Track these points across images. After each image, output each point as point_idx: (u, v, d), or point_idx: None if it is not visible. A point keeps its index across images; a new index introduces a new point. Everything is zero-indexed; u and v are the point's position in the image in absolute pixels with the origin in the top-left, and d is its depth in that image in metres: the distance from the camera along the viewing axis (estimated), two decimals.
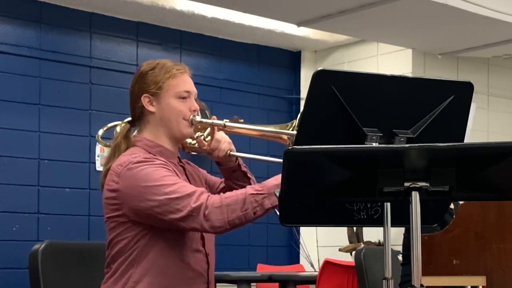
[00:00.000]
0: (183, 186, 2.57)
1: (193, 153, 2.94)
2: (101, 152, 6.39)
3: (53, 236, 5.96)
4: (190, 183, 2.77)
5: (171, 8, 6.55)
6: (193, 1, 6.23)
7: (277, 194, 2.20)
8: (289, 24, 6.80)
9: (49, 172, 6.17)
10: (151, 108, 2.73)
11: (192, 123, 2.75)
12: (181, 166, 2.81)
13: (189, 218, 2.52)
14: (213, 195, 2.57)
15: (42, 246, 3.06)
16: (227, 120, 2.81)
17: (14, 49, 6.07)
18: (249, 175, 2.87)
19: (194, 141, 2.87)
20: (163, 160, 2.67)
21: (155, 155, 2.70)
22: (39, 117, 6.15)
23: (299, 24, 6.52)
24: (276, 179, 2.61)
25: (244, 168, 2.90)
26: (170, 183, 2.57)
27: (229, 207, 2.52)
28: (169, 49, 6.88)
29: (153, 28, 6.78)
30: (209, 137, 2.85)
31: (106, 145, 2.98)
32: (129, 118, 2.82)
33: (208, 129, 2.87)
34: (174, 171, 2.67)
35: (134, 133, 2.81)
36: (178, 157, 2.82)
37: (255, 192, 2.56)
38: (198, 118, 2.75)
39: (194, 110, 2.75)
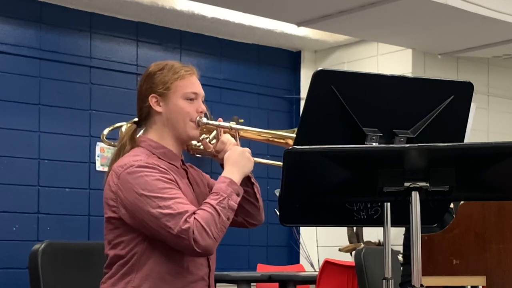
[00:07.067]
0: (177, 203, 2.56)
1: (197, 155, 2.93)
2: (101, 152, 6.39)
3: (53, 236, 5.95)
4: (192, 187, 2.77)
5: (171, 8, 6.55)
6: (193, 1, 6.23)
7: (277, 194, 2.20)
8: (289, 24, 6.80)
9: (49, 172, 6.16)
10: (158, 109, 2.72)
11: (198, 124, 2.74)
12: (184, 169, 2.80)
13: (178, 239, 2.53)
14: (196, 214, 2.56)
15: (42, 246, 3.05)
16: (233, 123, 2.81)
17: (14, 49, 6.07)
18: (252, 180, 2.83)
19: (199, 143, 2.87)
20: (163, 167, 2.65)
21: (158, 157, 2.69)
22: (39, 117, 6.15)
23: (299, 24, 6.52)
24: (223, 181, 2.65)
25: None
26: (166, 197, 2.56)
27: (209, 225, 2.54)
28: (169, 49, 6.87)
29: (153, 28, 6.78)
30: (214, 140, 2.84)
31: (111, 145, 2.97)
32: (135, 119, 2.81)
33: (214, 132, 2.86)
34: (174, 178, 2.66)
35: (139, 134, 2.81)
36: (182, 160, 2.81)
37: (218, 200, 2.60)
38: (205, 120, 2.75)
39: (201, 112, 2.74)
